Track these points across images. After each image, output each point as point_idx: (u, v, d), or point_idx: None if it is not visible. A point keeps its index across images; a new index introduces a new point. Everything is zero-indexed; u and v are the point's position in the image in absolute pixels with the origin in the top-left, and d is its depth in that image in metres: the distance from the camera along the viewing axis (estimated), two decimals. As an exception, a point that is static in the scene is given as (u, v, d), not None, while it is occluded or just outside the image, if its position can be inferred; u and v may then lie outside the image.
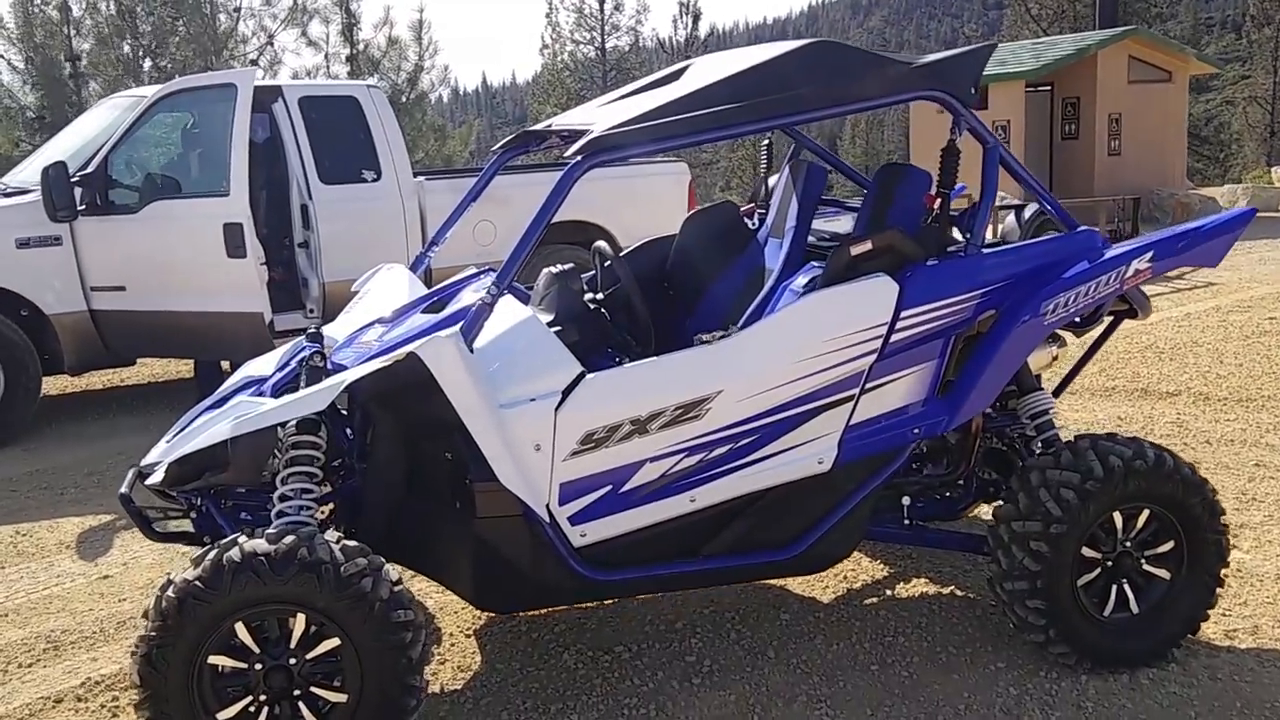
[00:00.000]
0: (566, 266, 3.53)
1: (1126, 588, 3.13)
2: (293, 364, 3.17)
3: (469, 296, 3.16)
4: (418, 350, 2.67)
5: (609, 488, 2.90)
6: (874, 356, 3.02)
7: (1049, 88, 17.25)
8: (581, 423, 2.81)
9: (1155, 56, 17.51)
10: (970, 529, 3.88)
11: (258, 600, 2.53)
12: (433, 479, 3.05)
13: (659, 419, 2.87)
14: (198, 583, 2.51)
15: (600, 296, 3.67)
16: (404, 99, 19.59)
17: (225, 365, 7.16)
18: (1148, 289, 3.34)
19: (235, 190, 6.22)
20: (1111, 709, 2.99)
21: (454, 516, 2.99)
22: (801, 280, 3.17)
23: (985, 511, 3.95)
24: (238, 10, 19.49)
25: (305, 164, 6.91)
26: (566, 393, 2.80)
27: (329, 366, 3.08)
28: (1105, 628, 3.11)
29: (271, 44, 19.63)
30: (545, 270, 3.54)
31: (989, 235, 7.30)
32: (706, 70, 3.22)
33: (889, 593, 3.76)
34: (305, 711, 2.60)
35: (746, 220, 4.09)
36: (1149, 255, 3.23)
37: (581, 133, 2.90)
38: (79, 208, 6.28)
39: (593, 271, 3.80)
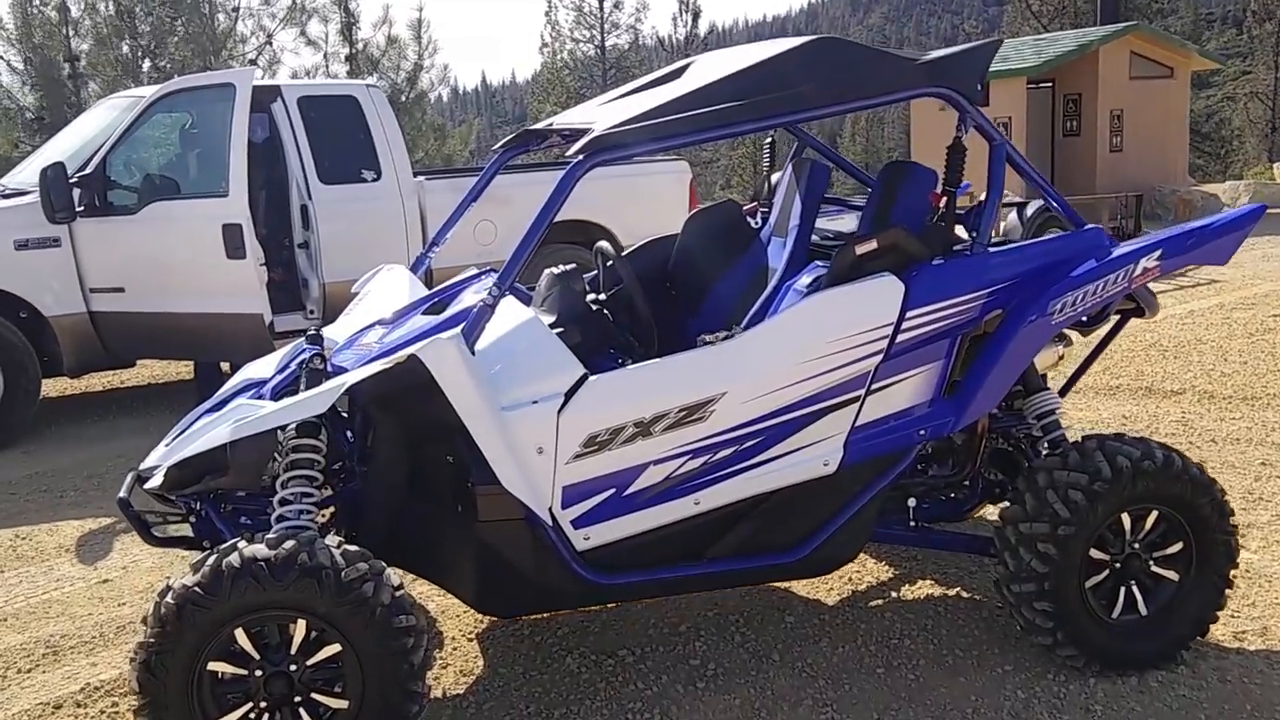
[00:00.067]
0: (569, 267, 3.50)
1: (1135, 589, 3.10)
2: (293, 366, 3.15)
3: (470, 298, 3.13)
4: (419, 352, 2.64)
5: (612, 491, 2.87)
6: (880, 357, 2.99)
7: (1050, 84, 17.23)
8: (584, 425, 2.79)
9: (1157, 52, 17.49)
10: (976, 530, 3.86)
11: (258, 606, 2.50)
12: (434, 482, 3.03)
13: (662, 421, 2.84)
14: (197, 588, 2.48)
15: (602, 297, 3.64)
16: (403, 98, 19.55)
17: (225, 367, 7.14)
18: (1151, 285, 3.31)
19: (234, 191, 6.20)
20: (1120, 712, 2.96)
21: (456, 520, 2.96)
22: (805, 280, 3.14)
23: (991, 512, 3.93)
24: (236, 10, 19.45)
25: (305, 164, 6.88)
26: (569, 395, 2.77)
27: (329, 369, 3.05)
28: (1113, 630, 3.08)
29: (270, 43, 19.60)
30: (547, 271, 3.51)
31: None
32: (708, 68, 3.19)
33: (895, 595, 3.73)
34: (306, 718, 2.58)
35: (749, 219, 4.06)
36: (1158, 253, 3.20)
37: (583, 132, 2.87)
38: (78, 209, 6.26)
39: (595, 272, 3.77)
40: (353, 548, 2.64)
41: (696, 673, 3.25)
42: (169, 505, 3.12)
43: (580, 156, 2.80)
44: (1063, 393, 3.68)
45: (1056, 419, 3.29)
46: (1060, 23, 29.41)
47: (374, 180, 7.09)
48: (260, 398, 3.07)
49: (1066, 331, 3.41)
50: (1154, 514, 3.08)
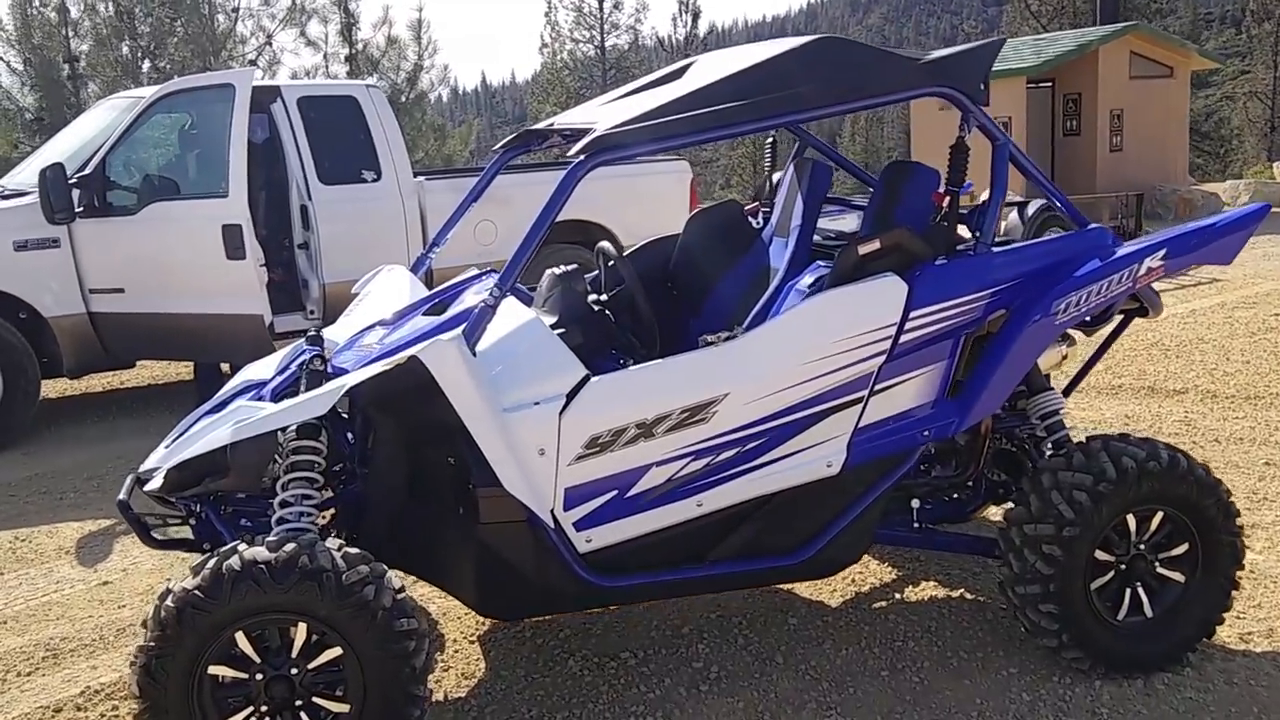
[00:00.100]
0: (570, 267, 3.48)
1: (1140, 591, 3.08)
2: (293, 367, 3.13)
3: (471, 298, 3.12)
4: (420, 354, 2.62)
5: (614, 492, 2.86)
6: (883, 358, 2.97)
7: (1050, 84, 17.21)
8: (586, 426, 2.77)
9: (1156, 52, 17.49)
10: (980, 532, 3.84)
11: (258, 609, 2.49)
12: (435, 484, 3.01)
13: (665, 422, 2.83)
14: (197, 592, 2.47)
15: (604, 297, 3.62)
16: (403, 98, 19.55)
17: (225, 368, 7.12)
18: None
19: (234, 191, 6.18)
20: (1126, 715, 2.94)
21: (457, 522, 2.95)
22: (808, 280, 3.12)
23: (995, 514, 3.91)
24: (236, 10, 19.47)
25: (304, 164, 6.87)
26: (571, 396, 2.76)
27: (329, 370, 3.04)
28: (1119, 632, 3.06)
29: (270, 44, 19.62)
30: (548, 271, 3.49)
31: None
32: (709, 68, 3.18)
33: (898, 597, 3.71)
34: (307, 722, 2.56)
35: (751, 219, 4.05)
36: (1162, 253, 3.19)
37: (584, 132, 2.86)
38: (77, 209, 6.24)
39: (596, 272, 3.75)
40: (354, 550, 2.62)
41: (699, 675, 3.23)
42: (169, 507, 3.11)
43: (581, 157, 2.78)
44: (1066, 393, 3.66)
45: (1061, 419, 3.27)
46: (1060, 23, 29.41)
47: (374, 181, 7.08)
48: (260, 399, 3.05)
49: (1070, 331, 3.40)
50: (1159, 515, 3.06)
